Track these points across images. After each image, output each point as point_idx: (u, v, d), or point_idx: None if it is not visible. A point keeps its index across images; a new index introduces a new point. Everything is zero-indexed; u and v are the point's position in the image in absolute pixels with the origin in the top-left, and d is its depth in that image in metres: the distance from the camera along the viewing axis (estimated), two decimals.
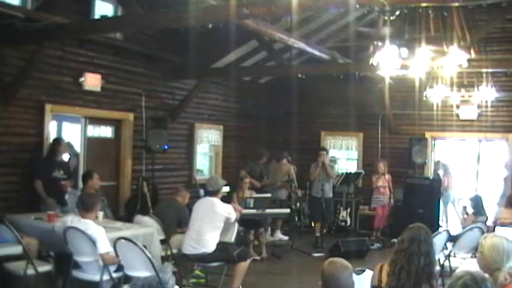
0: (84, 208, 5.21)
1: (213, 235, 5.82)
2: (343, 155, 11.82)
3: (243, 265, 5.88)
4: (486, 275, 2.56)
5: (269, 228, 9.49)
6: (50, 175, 6.95)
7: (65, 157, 7.67)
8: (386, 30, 5.07)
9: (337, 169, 9.63)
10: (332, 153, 11.52)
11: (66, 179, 7.16)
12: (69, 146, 8.22)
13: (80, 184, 7.32)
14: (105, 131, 8.91)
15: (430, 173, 10.97)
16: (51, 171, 7.00)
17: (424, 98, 9.63)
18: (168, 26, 6.88)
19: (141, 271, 4.78)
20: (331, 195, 9.63)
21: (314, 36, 9.70)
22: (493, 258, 3.24)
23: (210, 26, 6.06)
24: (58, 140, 7.42)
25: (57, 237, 5.33)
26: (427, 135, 11.01)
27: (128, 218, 7.16)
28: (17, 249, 5.22)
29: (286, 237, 9.73)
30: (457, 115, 10.67)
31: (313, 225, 9.85)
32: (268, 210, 8.09)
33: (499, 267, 3.20)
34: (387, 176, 9.97)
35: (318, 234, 9.46)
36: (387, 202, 9.95)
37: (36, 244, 5.51)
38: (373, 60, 5.42)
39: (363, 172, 10.23)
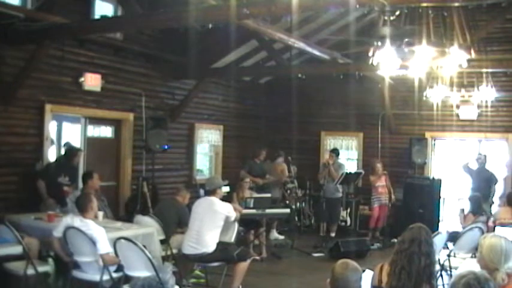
0: (79, 209, 5.25)
1: (213, 235, 5.82)
2: (343, 155, 11.81)
3: (243, 265, 5.88)
4: (489, 275, 2.55)
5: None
6: (55, 180, 6.97)
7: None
8: (387, 30, 5.06)
9: (343, 172, 9.65)
10: None
11: (70, 185, 7.17)
12: (69, 147, 8.22)
13: (80, 184, 7.32)
14: (105, 131, 8.91)
15: (430, 173, 10.98)
16: (57, 176, 7.02)
17: (424, 98, 9.64)
18: (168, 26, 6.88)
19: (141, 271, 4.77)
20: (336, 195, 9.65)
21: (314, 36, 9.70)
22: (491, 258, 3.24)
23: (210, 26, 6.06)
24: (75, 151, 7.48)
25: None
26: (427, 135, 11.02)
27: (128, 218, 7.16)
28: (17, 249, 5.22)
29: (282, 237, 9.73)
30: (457, 115, 10.68)
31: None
32: (268, 210, 8.08)
33: (497, 268, 3.20)
34: (384, 176, 10.00)
35: (323, 234, 9.51)
36: (386, 202, 9.96)
37: (37, 244, 5.50)
38: (373, 60, 5.42)
39: (363, 172, 10.23)
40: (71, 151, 7.41)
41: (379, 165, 10.04)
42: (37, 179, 6.91)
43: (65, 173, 7.12)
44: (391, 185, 10.02)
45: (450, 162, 11.19)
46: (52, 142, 7.91)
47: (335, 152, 9.88)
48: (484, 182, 9.41)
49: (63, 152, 7.78)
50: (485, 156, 9.81)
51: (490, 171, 9.72)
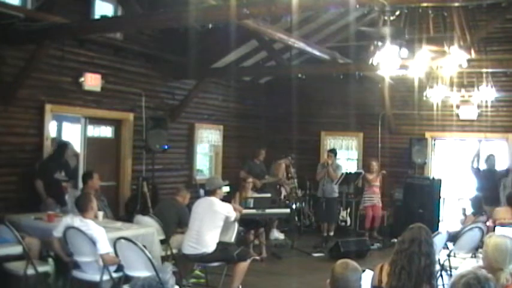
0: (79, 209, 5.25)
1: (212, 235, 5.82)
2: (343, 155, 11.82)
3: (243, 265, 5.88)
4: (489, 275, 2.55)
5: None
6: (52, 176, 6.96)
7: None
8: (387, 30, 5.07)
9: (343, 172, 9.67)
10: None
11: (67, 180, 7.16)
12: (58, 142, 8.19)
13: (80, 184, 7.32)
14: (105, 131, 8.91)
15: (430, 173, 10.98)
16: (53, 172, 7.01)
17: (424, 98, 9.64)
18: (168, 26, 6.88)
19: (141, 271, 4.78)
20: (333, 195, 9.66)
21: (314, 36, 9.70)
22: (495, 258, 3.24)
23: (210, 26, 6.06)
24: (66, 144, 7.46)
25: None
26: (427, 135, 11.02)
27: (128, 218, 7.16)
28: (17, 249, 5.22)
29: (282, 236, 9.73)
30: (457, 115, 10.68)
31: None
32: (268, 210, 8.08)
33: (501, 268, 3.19)
34: (380, 175, 10.01)
35: (325, 234, 9.52)
36: (378, 201, 9.96)
37: (38, 244, 5.50)
38: (373, 60, 5.42)
39: (363, 172, 10.24)
40: (61, 146, 7.38)
41: (374, 163, 10.07)
42: (35, 179, 6.90)
43: (60, 168, 7.12)
44: (384, 186, 10.05)
45: (450, 162, 11.19)
46: (55, 141, 7.90)
47: (333, 152, 9.89)
48: (491, 182, 9.30)
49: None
50: (493, 156, 9.75)
51: (501, 170, 9.62)
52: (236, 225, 6.67)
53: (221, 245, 5.89)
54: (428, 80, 9.23)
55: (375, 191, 9.98)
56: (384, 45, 5.15)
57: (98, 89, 8.11)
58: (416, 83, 9.14)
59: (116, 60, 8.52)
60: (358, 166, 11.52)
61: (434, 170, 11.16)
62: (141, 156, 8.97)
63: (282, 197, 9.94)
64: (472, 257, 5.86)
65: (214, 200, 5.94)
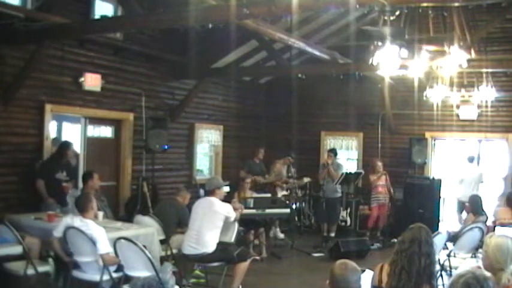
0: (78, 210, 5.26)
1: (212, 235, 5.82)
2: (343, 155, 11.82)
3: (243, 265, 5.88)
4: (489, 274, 2.55)
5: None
6: (53, 176, 6.96)
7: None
8: (387, 30, 5.07)
9: (344, 171, 9.68)
10: None
11: (68, 181, 7.16)
12: (61, 142, 8.18)
13: (80, 184, 7.32)
14: (105, 131, 8.91)
15: (430, 173, 10.98)
16: (55, 172, 7.01)
17: (424, 98, 9.64)
18: (168, 26, 6.89)
19: (141, 271, 4.78)
20: (336, 195, 9.66)
21: (314, 36, 9.70)
22: (496, 258, 3.23)
23: (210, 26, 6.06)
24: (68, 145, 7.43)
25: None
26: (427, 135, 11.02)
27: (128, 218, 7.16)
28: (17, 249, 5.22)
29: (282, 235, 9.72)
30: (457, 115, 10.69)
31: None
32: (268, 210, 8.08)
33: (502, 268, 3.18)
34: (384, 175, 10.00)
35: (325, 234, 9.52)
36: (384, 201, 9.96)
37: (38, 244, 5.50)
38: (373, 60, 5.43)
39: (363, 172, 10.24)
40: (63, 146, 7.39)
41: (379, 164, 10.04)
42: (36, 179, 6.90)
43: (62, 168, 7.12)
44: (390, 185, 10.02)
45: (450, 162, 11.19)
46: (56, 142, 7.90)
47: (333, 151, 9.88)
48: None
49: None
50: None
51: None
52: (236, 225, 6.66)
53: (221, 245, 5.89)
54: (428, 80, 9.24)
55: (380, 191, 9.92)
56: (384, 45, 5.16)
57: (98, 89, 8.11)
58: (416, 83, 9.14)
59: (116, 60, 8.52)
60: (358, 166, 11.53)
61: (434, 170, 11.16)
62: (141, 156, 8.97)
63: (280, 196, 9.94)
64: (472, 257, 5.86)
65: (214, 200, 5.94)
